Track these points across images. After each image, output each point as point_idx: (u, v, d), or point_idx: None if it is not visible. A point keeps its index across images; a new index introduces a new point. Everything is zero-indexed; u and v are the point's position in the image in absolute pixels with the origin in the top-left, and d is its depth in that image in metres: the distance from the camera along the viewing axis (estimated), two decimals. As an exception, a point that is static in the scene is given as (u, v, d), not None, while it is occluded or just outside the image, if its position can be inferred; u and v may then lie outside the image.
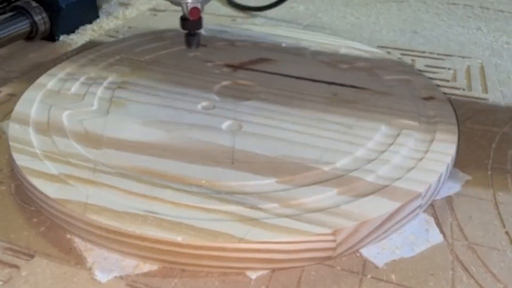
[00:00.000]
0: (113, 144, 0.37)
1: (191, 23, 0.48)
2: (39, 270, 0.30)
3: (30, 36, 0.59)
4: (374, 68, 0.50)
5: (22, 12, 0.57)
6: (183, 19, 0.48)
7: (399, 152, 0.37)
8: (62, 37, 0.62)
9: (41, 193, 0.32)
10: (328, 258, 0.30)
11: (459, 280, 0.29)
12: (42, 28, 0.59)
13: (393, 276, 0.30)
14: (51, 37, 0.61)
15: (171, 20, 0.68)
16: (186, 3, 0.46)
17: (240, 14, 0.70)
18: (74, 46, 0.60)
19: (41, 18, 0.58)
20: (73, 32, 0.63)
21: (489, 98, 0.49)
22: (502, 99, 0.49)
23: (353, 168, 0.35)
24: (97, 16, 0.68)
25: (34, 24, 0.58)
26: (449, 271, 0.30)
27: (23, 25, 0.57)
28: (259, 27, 0.61)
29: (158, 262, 0.30)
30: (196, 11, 0.47)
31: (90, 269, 0.30)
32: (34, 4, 0.58)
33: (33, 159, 0.35)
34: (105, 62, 0.51)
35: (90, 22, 0.66)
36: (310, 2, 0.75)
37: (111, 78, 0.47)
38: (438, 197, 0.36)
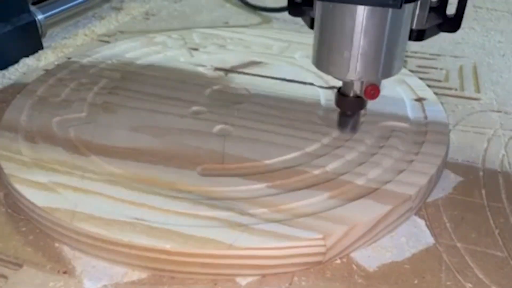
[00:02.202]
0: (102, 150, 0.37)
1: (354, 101, 0.36)
2: (28, 279, 0.29)
3: None
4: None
5: None
6: (342, 94, 0.36)
7: (389, 154, 0.37)
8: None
9: (29, 201, 0.32)
10: (319, 263, 0.30)
11: (450, 282, 0.29)
12: None
13: (384, 280, 0.29)
14: None
15: (163, 24, 0.68)
16: (362, 81, 0.34)
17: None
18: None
19: None
20: (11, 65, 0.55)
21: (482, 98, 0.49)
22: (495, 98, 0.49)
23: (343, 172, 0.35)
24: (41, 47, 0.58)
25: None
26: (440, 274, 0.30)
27: None
28: (250, 30, 0.61)
29: (147, 270, 0.30)
30: (375, 90, 0.34)
31: (78, 277, 0.29)
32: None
33: (21, 167, 0.35)
34: (95, 67, 0.50)
35: (31, 54, 0.57)
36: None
37: (101, 83, 0.47)
38: (430, 199, 0.36)
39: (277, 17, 0.69)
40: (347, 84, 0.35)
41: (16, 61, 0.56)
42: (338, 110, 0.37)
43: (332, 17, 0.33)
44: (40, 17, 0.58)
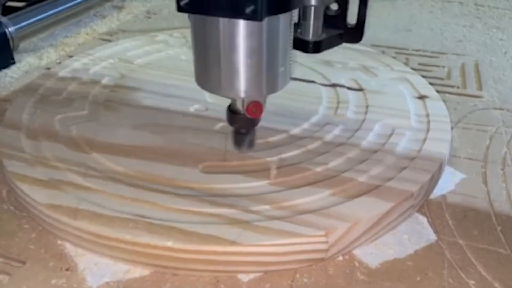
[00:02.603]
0: (104, 148, 0.37)
1: (245, 118, 0.33)
2: (31, 276, 0.29)
3: None
4: (368, 68, 0.50)
5: None
6: (232, 112, 0.34)
7: (391, 151, 0.37)
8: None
9: (32, 199, 0.32)
10: (321, 259, 0.30)
11: (453, 279, 0.29)
12: None
13: (386, 277, 0.29)
14: None
15: (165, 23, 0.68)
16: (242, 98, 0.32)
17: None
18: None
19: None
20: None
21: (484, 96, 0.49)
22: (497, 96, 0.49)
23: (345, 169, 0.35)
24: (12, 61, 0.54)
25: None
26: (442, 271, 0.30)
27: None
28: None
29: (150, 266, 0.30)
30: (258, 107, 0.32)
31: (81, 274, 0.29)
32: None
33: (24, 165, 0.35)
34: (97, 66, 0.50)
35: (2, 69, 0.53)
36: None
37: (103, 82, 0.47)
38: (432, 197, 0.36)
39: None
40: (233, 101, 0.33)
41: None
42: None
43: (201, 30, 0.30)
44: (11, 29, 0.54)
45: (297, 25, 0.34)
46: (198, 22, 0.30)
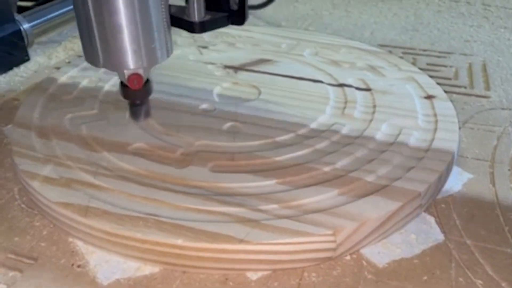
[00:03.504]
0: (114, 147, 0.38)
1: (134, 92, 0.37)
2: (42, 273, 0.30)
3: None
4: (375, 68, 0.50)
5: None
6: (124, 85, 0.37)
7: (399, 151, 0.37)
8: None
9: (43, 197, 0.33)
10: (329, 258, 0.30)
11: (460, 279, 0.29)
12: None
13: (394, 276, 0.30)
14: None
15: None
16: (123, 72, 0.35)
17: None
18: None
19: None
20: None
21: (491, 96, 0.49)
22: (504, 96, 0.49)
23: (353, 168, 0.35)
24: (26, 58, 0.56)
25: None
26: (450, 271, 0.30)
27: None
28: (259, 28, 0.62)
29: (159, 264, 0.30)
30: (138, 79, 0.35)
31: (92, 271, 0.30)
32: None
33: (35, 163, 0.36)
34: (106, 65, 0.51)
35: (17, 66, 0.55)
36: (311, 1, 0.75)
37: (112, 81, 0.48)
38: (439, 196, 0.36)
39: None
40: (119, 76, 0.36)
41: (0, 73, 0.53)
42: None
43: (77, 8, 0.33)
44: (26, 26, 0.56)
45: (184, 8, 0.39)
46: (75, 1, 0.33)
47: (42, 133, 0.39)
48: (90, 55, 0.35)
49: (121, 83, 0.37)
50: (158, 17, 0.34)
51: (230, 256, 0.29)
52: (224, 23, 0.39)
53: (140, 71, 0.35)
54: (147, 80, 0.37)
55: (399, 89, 0.46)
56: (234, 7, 0.38)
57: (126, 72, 0.35)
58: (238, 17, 0.39)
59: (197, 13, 0.38)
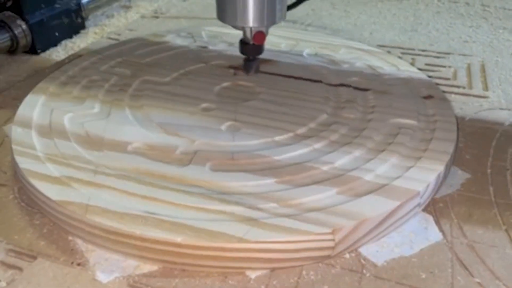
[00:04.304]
0: (114, 146, 0.38)
1: (252, 48, 0.45)
2: (42, 271, 0.30)
3: (11, 49, 0.57)
4: (374, 67, 0.50)
5: (1, 25, 0.56)
6: (244, 43, 0.45)
7: (398, 151, 0.37)
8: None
9: (43, 195, 0.33)
10: (328, 257, 0.31)
11: (458, 278, 0.29)
12: (23, 41, 0.57)
13: (392, 275, 0.30)
14: (33, 50, 0.59)
15: (172, 22, 0.68)
16: (250, 28, 0.43)
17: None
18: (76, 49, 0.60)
19: (21, 31, 0.56)
20: (59, 44, 0.61)
21: (490, 96, 0.49)
22: (503, 97, 0.49)
23: (352, 168, 0.35)
24: (84, 27, 0.65)
25: (14, 37, 0.56)
26: (448, 269, 0.30)
27: (2, 39, 0.55)
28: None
29: (159, 262, 0.30)
30: (261, 36, 0.44)
31: (91, 270, 0.30)
32: (14, 16, 0.56)
33: (35, 161, 0.36)
34: (106, 65, 0.51)
35: (76, 34, 0.64)
36: (310, 1, 0.75)
37: (112, 80, 0.48)
38: (438, 196, 0.36)
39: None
40: (245, 33, 0.44)
41: (62, 40, 0.62)
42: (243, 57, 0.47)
43: None
44: (84, 0, 0.66)
45: None
46: None
47: (42, 132, 0.40)
48: (225, 15, 0.44)
49: (241, 41, 0.45)
50: None
51: (229, 254, 0.29)
52: None
53: (263, 29, 0.43)
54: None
55: (398, 89, 0.46)
56: None
57: (253, 29, 0.43)
58: None
59: None
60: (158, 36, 0.58)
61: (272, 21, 0.43)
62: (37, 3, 0.59)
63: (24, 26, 0.57)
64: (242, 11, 0.42)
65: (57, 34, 0.61)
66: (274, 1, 0.42)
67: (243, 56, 0.47)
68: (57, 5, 0.61)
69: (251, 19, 0.42)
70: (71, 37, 0.63)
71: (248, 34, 0.44)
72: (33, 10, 0.58)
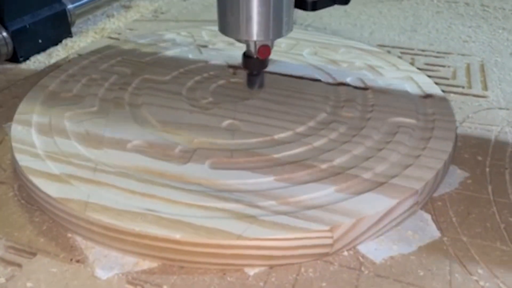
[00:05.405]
0: (114, 144, 0.38)
1: (256, 62, 0.42)
2: (41, 268, 0.30)
3: None
4: (374, 67, 0.50)
5: None
6: (247, 57, 0.42)
7: (396, 149, 0.37)
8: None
9: (43, 192, 0.33)
10: (326, 254, 0.31)
11: (456, 276, 0.30)
12: (3, 50, 0.54)
13: (390, 272, 0.30)
14: (15, 58, 0.56)
15: (172, 22, 0.69)
16: (254, 41, 0.40)
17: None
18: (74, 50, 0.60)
19: (2, 39, 0.53)
20: (43, 51, 0.59)
21: (489, 96, 0.49)
22: (502, 96, 0.49)
23: (350, 166, 0.35)
24: (70, 34, 0.63)
25: None
26: (446, 267, 0.30)
27: None
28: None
29: (158, 259, 0.30)
30: (266, 50, 0.40)
31: (91, 266, 0.30)
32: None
33: (35, 159, 0.36)
34: (106, 63, 0.51)
35: (61, 41, 0.61)
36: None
37: (112, 79, 0.48)
38: (436, 194, 0.36)
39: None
40: (248, 47, 0.41)
41: (47, 48, 0.59)
42: (246, 72, 0.44)
43: None
44: (70, 6, 0.63)
45: None
46: None
47: (42, 130, 0.40)
48: (227, 27, 0.40)
49: (244, 54, 0.42)
50: None
51: (228, 251, 0.29)
52: (330, 4, 0.45)
53: (268, 43, 0.40)
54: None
55: (397, 89, 0.46)
56: None
57: (258, 43, 0.40)
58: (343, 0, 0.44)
59: None
60: (158, 36, 0.58)
61: (279, 34, 0.40)
62: (20, 9, 0.56)
63: (4, 34, 0.54)
64: (245, 23, 0.39)
65: (40, 41, 0.58)
66: (281, 13, 0.39)
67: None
68: (41, 11, 0.58)
69: (255, 32, 0.39)
70: (56, 44, 0.60)
71: (252, 48, 0.41)
72: (14, 16, 0.55)
